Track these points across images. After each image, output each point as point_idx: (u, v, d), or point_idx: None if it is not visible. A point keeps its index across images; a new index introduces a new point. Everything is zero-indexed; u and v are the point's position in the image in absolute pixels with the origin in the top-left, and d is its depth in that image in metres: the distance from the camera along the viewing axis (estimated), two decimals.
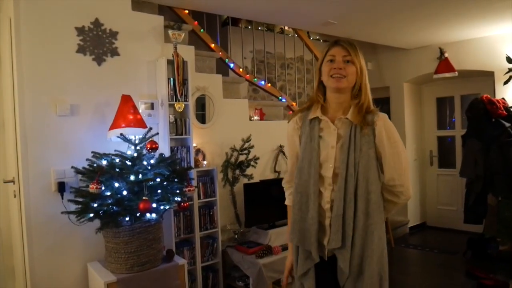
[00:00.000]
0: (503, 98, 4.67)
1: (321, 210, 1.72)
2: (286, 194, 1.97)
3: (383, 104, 6.27)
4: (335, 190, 1.69)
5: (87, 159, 2.75)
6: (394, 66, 6.05)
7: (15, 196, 2.89)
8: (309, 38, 5.72)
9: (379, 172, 1.72)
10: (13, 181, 2.89)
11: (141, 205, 2.55)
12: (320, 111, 1.76)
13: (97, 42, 3.08)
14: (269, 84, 4.78)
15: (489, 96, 4.59)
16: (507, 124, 4.35)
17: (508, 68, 3.27)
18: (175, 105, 3.28)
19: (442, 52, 5.40)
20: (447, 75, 5.33)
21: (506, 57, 3.30)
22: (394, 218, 5.75)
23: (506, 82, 3.32)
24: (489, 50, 5.06)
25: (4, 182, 3.04)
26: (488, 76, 5.17)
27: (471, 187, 4.69)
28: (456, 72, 5.25)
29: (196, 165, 3.47)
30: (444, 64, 5.37)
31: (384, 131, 1.69)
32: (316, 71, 1.82)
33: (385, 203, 1.77)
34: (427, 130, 6.30)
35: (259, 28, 5.21)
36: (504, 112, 4.44)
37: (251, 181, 3.89)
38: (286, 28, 5.44)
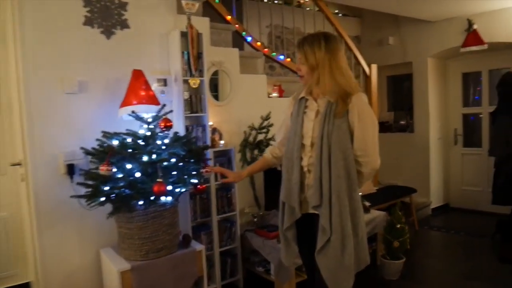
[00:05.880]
0: None
1: (302, 172, 2.05)
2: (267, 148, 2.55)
3: (404, 81, 5.99)
4: (312, 157, 2.00)
5: (97, 139, 2.58)
6: (417, 40, 5.71)
7: (22, 180, 2.75)
8: None
9: (352, 144, 1.97)
10: (20, 164, 2.74)
11: (156, 188, 2.36)
12: (307, 92, 2.10)
13: (106, 14, 2.88)
14: (289, 59, 4.53)
15: None
16: None
17: None
18: (190, 81, 3.07)
19: (470, 24, 5.07)
20: (475, 48, 5.04)
21: None
22: (417, 199, 5.52)
23: None
24: None
25: (11, 165, 2.90)
26: None
27: (501, 167, 4.47)
28: (486, 45, 4.94)
29: (213, 145, 3.28)
30: (472, 36, 5.06)
31: (356, 107, 1.94)
32: None
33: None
34: (451, 107, 5.99)
35: (275, 1, 4.94)
36: None
37: None
38: (303, 1, 5.17)
